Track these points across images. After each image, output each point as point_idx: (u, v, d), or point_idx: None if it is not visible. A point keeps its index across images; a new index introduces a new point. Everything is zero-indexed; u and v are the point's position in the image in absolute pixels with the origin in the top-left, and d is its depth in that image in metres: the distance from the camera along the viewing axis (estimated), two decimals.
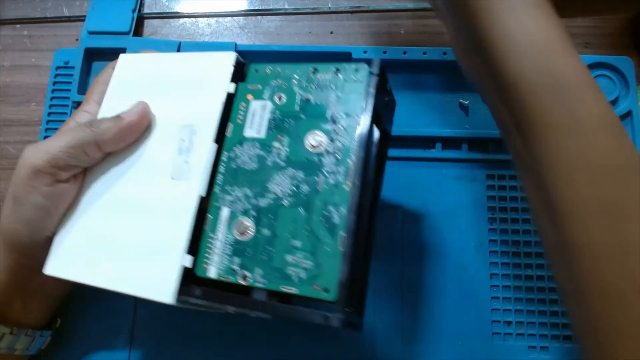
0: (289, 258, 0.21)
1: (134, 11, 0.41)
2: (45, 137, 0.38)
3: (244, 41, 0.42)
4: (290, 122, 0.23)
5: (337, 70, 0.23)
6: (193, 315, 0.34)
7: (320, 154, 0.22)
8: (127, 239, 0.23)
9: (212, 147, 0.23)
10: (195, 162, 0.23)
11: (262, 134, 0.23)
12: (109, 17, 0.41)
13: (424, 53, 0.38)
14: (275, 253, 0.21)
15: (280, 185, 0.22)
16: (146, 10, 0.43)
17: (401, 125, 0.37)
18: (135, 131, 0.26)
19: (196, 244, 0.23)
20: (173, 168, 0.24)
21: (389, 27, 0.42)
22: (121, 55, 0.29)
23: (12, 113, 0.41)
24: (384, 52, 0.38)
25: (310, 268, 0.20)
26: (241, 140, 0.24)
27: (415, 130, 0.37)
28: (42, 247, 0.27)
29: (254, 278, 0.21)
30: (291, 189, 0.22)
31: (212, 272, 0.22)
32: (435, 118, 0.38)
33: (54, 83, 0.39)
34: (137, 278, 0.22)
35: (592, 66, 0.38)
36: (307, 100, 0.23)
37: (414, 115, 0.38)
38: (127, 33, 0.40)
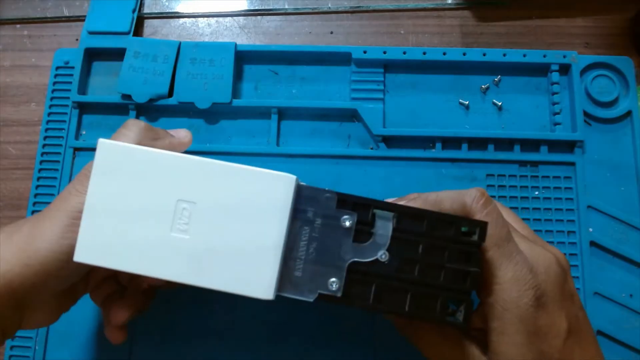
0: None
1: (134, 11, 0.41)
2: (45, 138, 0.38)
3: (244, 41, 0.42)
4: None
5: None
6: (193, 315, 0.34)
7: None
8: (219, 239, 0.23)
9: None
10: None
11: None
12: (109, 17, 0.41)
13: (424, 53, 0.38)
14: None
15: None
16: (146, 10, 0.43)
17: (401, 125, 0.38)
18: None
19: None
20: None
21: (389, 27, 0.42)
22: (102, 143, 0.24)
23: (12, 113, 0.41)
24: (384, 52, 0.38)
25: None
26: None
27: (415, 130, 0.37)
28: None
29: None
30: None
31: None
32: (435, 118, 0.38)
33: (54, 83, 0.39)
34: (233, 276, 0.22)
35: (592, 66, 0.38)
36: None
37: (414, 115, 0.38)
38: (127, 33, 0.40)
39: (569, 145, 0.37)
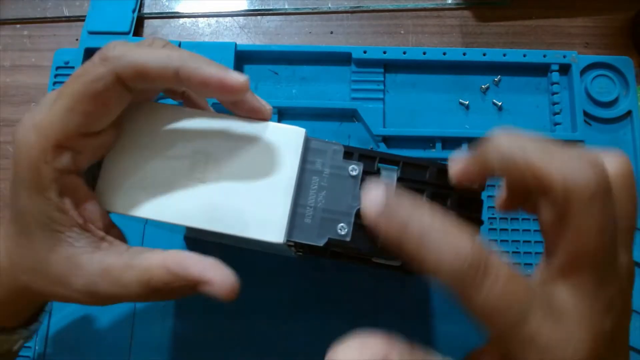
0: None
1: (134, 11, 0.41)
2: None
3: (244, 41, 0.42)
4: None
5: None
6: (193, 317, 0.34)
7: None
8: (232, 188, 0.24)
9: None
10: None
11: None
12: (109, 17, 0.41)
13: (424, 53, 0.38)
14: None
15: None
16: (146, 10, 0.43)
17: (401, 125, 0.38)
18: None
19: None
20: None
21: (389, 27, 0.42)
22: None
23: (12, 113, 0.41)
24: (384, 52, 0.38)
25: None
26: None
27: (415, 130, 0.37)
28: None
29: None
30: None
31: None
32: (435, 118, 0.38)
33: (54, 83, 0.39)
34: (246, 221, 0.23)
35: (592, 66, 0.38)
36: None
37: (414, 115, 0.38)
38: (127, 33, 0.40)
39: (569, 145, 0.37)
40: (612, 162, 0.18)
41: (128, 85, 0.22)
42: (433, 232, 0.17)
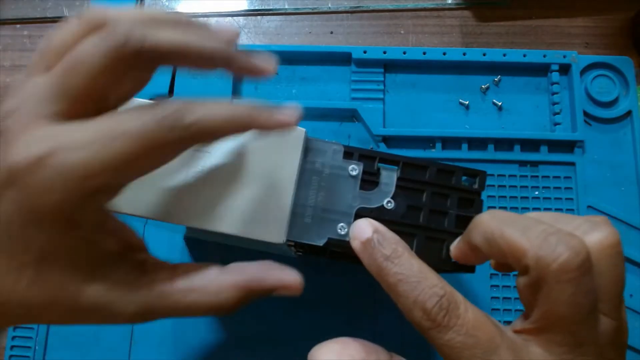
0: None
1: None
2: None
3: (244, 41, 0.42)
4: None
5: None
6: (191, 317, 0.34)
7: None
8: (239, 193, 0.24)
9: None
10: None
11: None
12: None
13: (424, 53, 0.38)
14: None
15: None
16: None
17: (401, 125, 0.38)
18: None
19: None
20: None
21: (389, 27, 0.42)
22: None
23: None
24: (384, 52, 0.38)
25: None
26: None
27: (415, 130, 0.37)
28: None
29: None
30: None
31: None
32: (435, 118, 0.38)
33: None
34: (246, 221, 0.23)
35: (592, 66, 0.38)
36: None
37: (414, 115, 0.38)
38: None
39: (569, 145, 0.37)
40: (600, 231, 0.19)
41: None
42: (409, 278, 0.19)
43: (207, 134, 0.19)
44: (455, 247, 0.23)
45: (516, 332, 0.19)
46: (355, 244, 0.21)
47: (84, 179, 0.17)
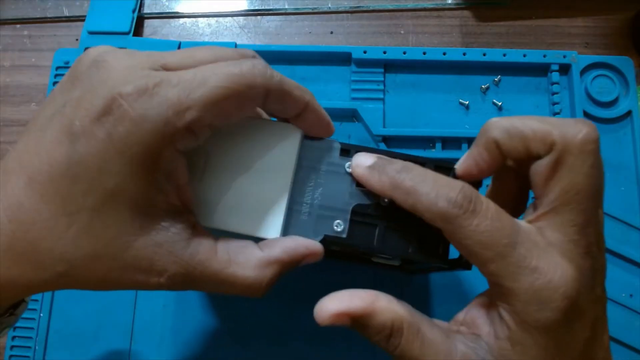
0: None
1: (134, 11, 0.41)
2: None
3: (244, 41, 0.42)
4: None
5: None
6: (193, 314, 0.34)
7: None
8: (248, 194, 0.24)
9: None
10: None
11: None
12: (109, 17, 0.41)
13: (424, 53, 0.38)
14: None
15: None
16: (146, 10, 0.43)
17: (401, 125, 0.38)
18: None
19: None
20: None
21: (389, 27, 0.42)
22: None
23: (12, 113, 0.41)
24: (384, 52, 0.38)
25: None
26: None
27: (415, 130, 0.37)
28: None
29: None
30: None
31: None
32: (435, 118, 0.38)
33: (54, 83, 0.39)
34: (243, 218, 0.23)
35: (592, 66, 0.38)
36: None
37: (414, 115, 0.38)
38: (127, 33, 0.40)
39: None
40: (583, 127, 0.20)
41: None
42: (425, 180, 0.20)
43: (284, 94, 0.21)
44: (461, 163, 0.22)
45: (529, 222, 0.20)
46: (360, 171, 0.22)
47: (177, 113, 0.18)
